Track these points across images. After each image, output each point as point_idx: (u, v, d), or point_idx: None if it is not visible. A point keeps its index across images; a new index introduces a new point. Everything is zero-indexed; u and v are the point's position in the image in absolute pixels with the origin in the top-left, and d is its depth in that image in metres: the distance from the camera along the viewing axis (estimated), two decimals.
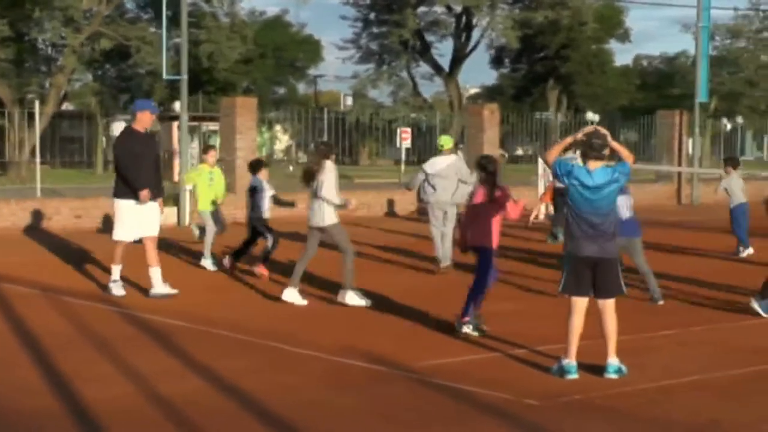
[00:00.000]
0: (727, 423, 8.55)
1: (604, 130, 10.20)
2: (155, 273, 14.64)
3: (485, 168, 12.43)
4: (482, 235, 12.22)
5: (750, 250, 19.86)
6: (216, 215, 17.89)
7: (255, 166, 17.31)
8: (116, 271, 14.83)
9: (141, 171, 14.50)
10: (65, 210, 24.54)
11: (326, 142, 22.12)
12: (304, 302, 14.04)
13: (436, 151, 18.16)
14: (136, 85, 54.27)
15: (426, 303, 14.07)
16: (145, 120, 14.79)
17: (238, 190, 25.72)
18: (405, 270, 17.98)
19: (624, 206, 13.51)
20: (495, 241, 12.31)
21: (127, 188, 14.50)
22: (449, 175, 17.33)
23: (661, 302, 14.22)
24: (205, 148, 19.53)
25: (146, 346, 11.48)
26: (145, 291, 14.72)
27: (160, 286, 14.61)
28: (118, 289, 14.68)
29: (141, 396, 9.25)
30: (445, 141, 18.06)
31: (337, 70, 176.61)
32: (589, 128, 10.29)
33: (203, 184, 17.92)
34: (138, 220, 14.59)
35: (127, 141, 14.68)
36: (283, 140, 58.40)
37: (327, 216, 14.00)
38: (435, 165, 17.51)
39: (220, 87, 56.33)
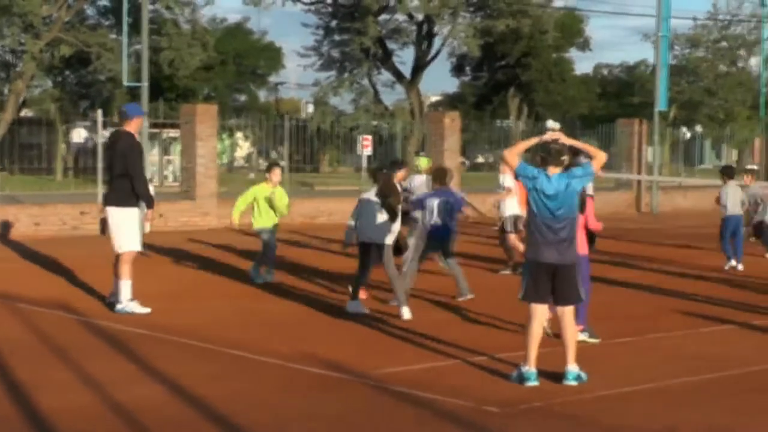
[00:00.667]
0: (682, 429, 8.59)
1: (572, 142, 10.30)
2: (126, 286, 14.02)
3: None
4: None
5: (732, 263, 19.20)
6: (272, 233, 17.19)
7: None
8: (129, 287, 14.00)
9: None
10: (24, 217, 24.38)
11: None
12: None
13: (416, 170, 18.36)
14: (96, 92, 54.02)
15: (388, 310, 14.07)
16: (140, 125, 14.70)
17: (197, 197, 25.64)
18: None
19: (434, 210, 13.98)
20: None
21: (134, 195, 13.96)
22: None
23: (468, 296, 14.22)
24: (269, 167, 17.86)
25: (104, 354, 11.42)
26: (103, 298, 14.61)
27: (129, 303, 13.96)
28: (139, 308, 13.91)
29: (98, 404, 9.18)
30: (423, 162, 18.56)
31: (298, 78, 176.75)
32: (553, 134, 10.29)
33: (263, 202, 16.92)
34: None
35: (138, 147, 14.35)
36: (244, 147, 58.31)
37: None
38: (413, 182, 17.59)
39: (181, 94, 56.15)
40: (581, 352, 10.22)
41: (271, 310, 14.45)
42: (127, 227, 14.02)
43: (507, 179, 18.41)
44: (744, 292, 16.41)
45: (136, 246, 14.26)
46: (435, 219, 14.52)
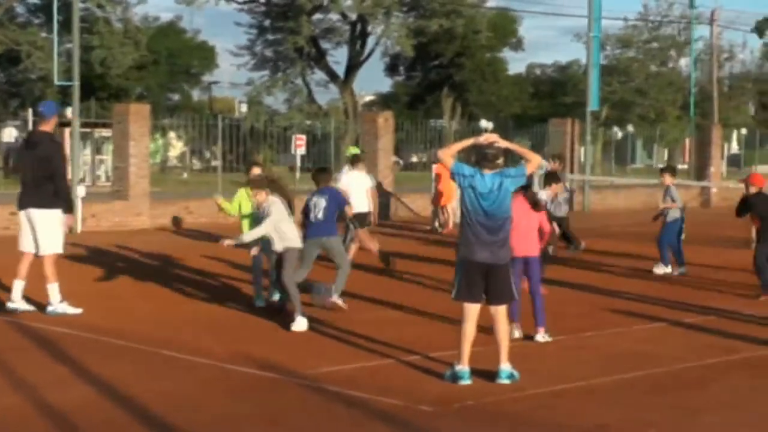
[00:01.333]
0: (613, 427, 8.68)
1: (507, 144, 10.38)
2: (53, 288, 13.92)
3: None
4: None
5: (667, 270, 18.61)
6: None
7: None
8: (57, 289, 13.86)
9: None
10: None
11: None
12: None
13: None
14: (27, 91, 53.39)
15: (321, 311, 14.06)
16: (56, 123, 14.54)
17: (130, 197, 25.44)
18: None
19: (320, 208, 14.04)
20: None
21: (56, 197, 13.79)
22: None
23: (334, 299, 14.19)
24: (248, 167, 15.95)
25: (34, 356, 11.32)
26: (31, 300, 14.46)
27: (60, 304, 13.86)
28: (71, 308, 13.80)
29: (28, 406, 9.10)
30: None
31: (231, 77, 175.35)
32: (489, 137, 10.35)
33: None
34: None
35: (62, 148, 14.15)
36: (177, 147, 57.92)
37: None
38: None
39: (113, 93, 55.63)
40: (514, 351, 10.28)
41: (205, 311, 14.40)
42: (49, 229, 13.90)
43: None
44: (675, 289, 16.58)
45: (59, 248, 14.12)
46: (319, 218, 14.30)
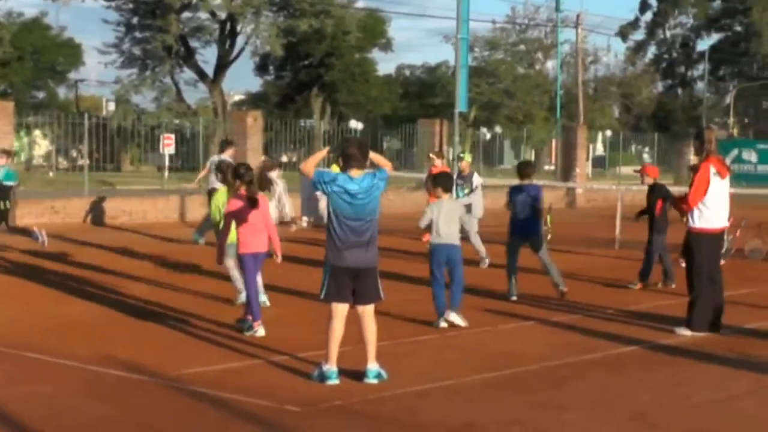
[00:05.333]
0: (479, 426, 8.78)
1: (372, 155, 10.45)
2: None
3: (242, 176, 12.71)
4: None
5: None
6: None
7: None
8: None
9: None
10: None
11: None
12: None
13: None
14: None
15: (189, 312, 13.98)
16: None
17: None
18: (173, 277, 17.76)
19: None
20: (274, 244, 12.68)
21: None
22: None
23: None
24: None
25: None
26: None
27: None
28: None
29: None
30: (467, 157, 20.84)
31: (99, 75, 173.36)
32: (352, 139, 10.44)
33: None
34: None
35: None
36: (42, 145, 56.92)
37: None
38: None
39: None
40: (382, 351, 10.34)
41: (71, 313, 14.19)
42: None
43: (476, 178, 20.49)
44: (543, 288, 16.82)
45: None
46: None
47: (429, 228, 13.39)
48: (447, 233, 13.24)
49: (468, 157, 20.68)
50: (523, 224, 15.77)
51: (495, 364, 11.19)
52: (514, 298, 15.57)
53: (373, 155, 10.43)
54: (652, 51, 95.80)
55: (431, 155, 22.88)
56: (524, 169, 16.30)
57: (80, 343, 11.94)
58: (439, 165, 21.54)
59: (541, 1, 71.34)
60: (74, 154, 50.07)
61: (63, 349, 11.55)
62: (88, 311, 14.28)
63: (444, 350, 12.00)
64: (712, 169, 13.00)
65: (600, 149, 74.53)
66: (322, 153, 10.70)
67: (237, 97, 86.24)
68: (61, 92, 75.93)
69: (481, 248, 19.45)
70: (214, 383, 9.99)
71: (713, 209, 13.06)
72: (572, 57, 66.64)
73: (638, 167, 16.99)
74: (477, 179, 20.14)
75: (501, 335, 13.07)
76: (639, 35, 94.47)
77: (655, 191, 17.05)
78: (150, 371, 10.47)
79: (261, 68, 74.34)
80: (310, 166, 10.29)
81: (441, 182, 13.63)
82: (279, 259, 13.06)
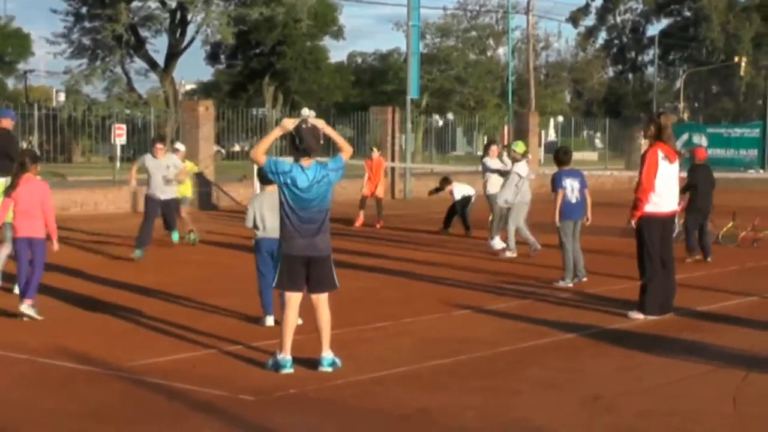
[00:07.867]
0: (434, 411, 8.80)
1: (320, 123, 10.24)
2: None
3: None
4: None
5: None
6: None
7: None
8: None
9: None
10: None
11: None
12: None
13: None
14: None
15: (140, 302, 13.92)
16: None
17: None
18: (121, 268, 17.67)
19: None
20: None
21: None
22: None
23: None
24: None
25: None
26: None
27: None
28: None
29: None
30: (520, 146, 20.58)
31: (48, 65, 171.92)
32: (315, 121, 10.21)
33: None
34: None
35: None
36: None
37: None
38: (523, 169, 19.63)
39: None
40: (336, 338, 10.34)
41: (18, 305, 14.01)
42: None
43: (493, 162, 21.28)
44: (493, 276, 16.89)
45: None
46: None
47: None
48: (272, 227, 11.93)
49: (519, 147, 20.34)
50: (575, 208, 16.17)
51: (448, 350, 11.22)
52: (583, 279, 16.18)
53: (331, 132, 10.25)
54: (602, 36, 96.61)
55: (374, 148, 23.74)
56: (563, 156, 16.60)
57: (30, 335, 11.84)
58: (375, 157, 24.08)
59: None
60: (24, 145, 49.66)
61: (11, 340, 11.46)
62: (39, 302, 14.14)
63: (398, 337, 12.01)
64: (660, 153, 13.10)
65: (552, 135, 74.94)
66: (274, 135, 10.34)
67: (188, 87, 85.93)
68: (10, 83, 75.40)
69: (529, 237, 19.40)
70: (167, 373, 9.95)
71: (662, 193, 13.15)
72: (523, 43, 66.95)
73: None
74: (523, 168, 19.69)
75: (454, 321, 13.09)
76: (590, 21, 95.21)
77: (700, 172, 18.92)
78: (101, 362, 10.41)
79: (212, 57, 74.05)
80: (260, 152, 10.13)
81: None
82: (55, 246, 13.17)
